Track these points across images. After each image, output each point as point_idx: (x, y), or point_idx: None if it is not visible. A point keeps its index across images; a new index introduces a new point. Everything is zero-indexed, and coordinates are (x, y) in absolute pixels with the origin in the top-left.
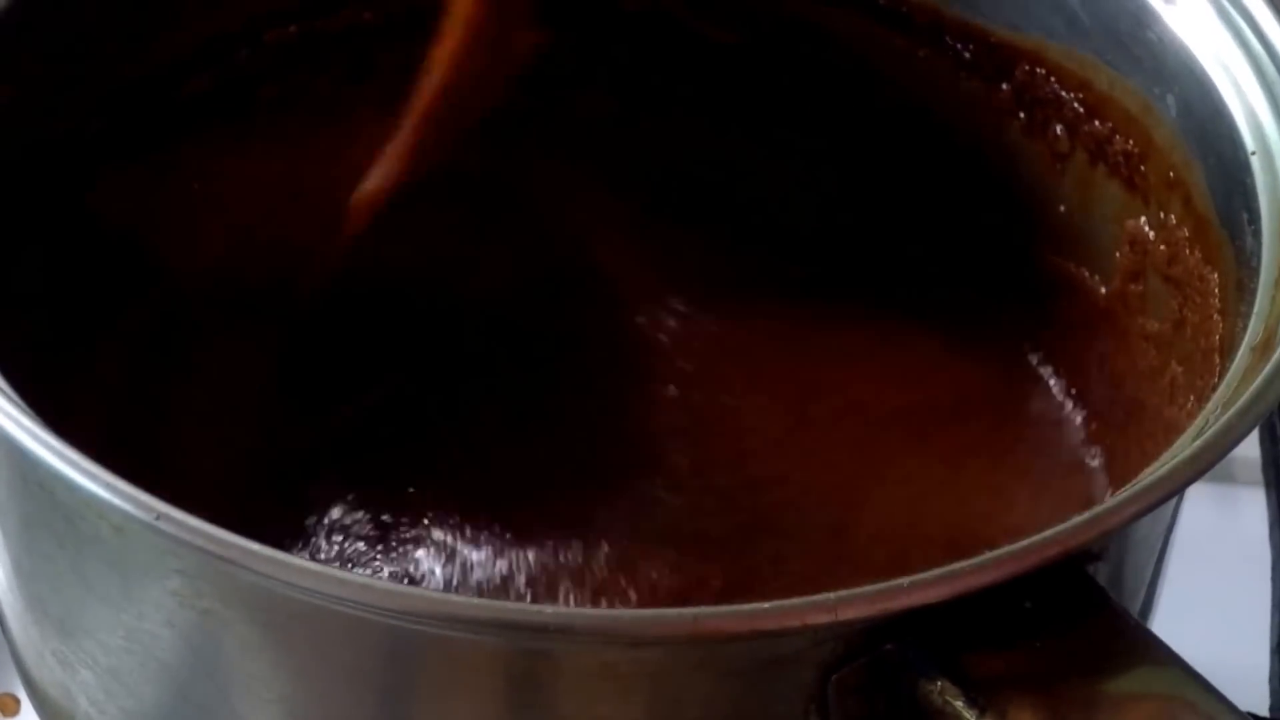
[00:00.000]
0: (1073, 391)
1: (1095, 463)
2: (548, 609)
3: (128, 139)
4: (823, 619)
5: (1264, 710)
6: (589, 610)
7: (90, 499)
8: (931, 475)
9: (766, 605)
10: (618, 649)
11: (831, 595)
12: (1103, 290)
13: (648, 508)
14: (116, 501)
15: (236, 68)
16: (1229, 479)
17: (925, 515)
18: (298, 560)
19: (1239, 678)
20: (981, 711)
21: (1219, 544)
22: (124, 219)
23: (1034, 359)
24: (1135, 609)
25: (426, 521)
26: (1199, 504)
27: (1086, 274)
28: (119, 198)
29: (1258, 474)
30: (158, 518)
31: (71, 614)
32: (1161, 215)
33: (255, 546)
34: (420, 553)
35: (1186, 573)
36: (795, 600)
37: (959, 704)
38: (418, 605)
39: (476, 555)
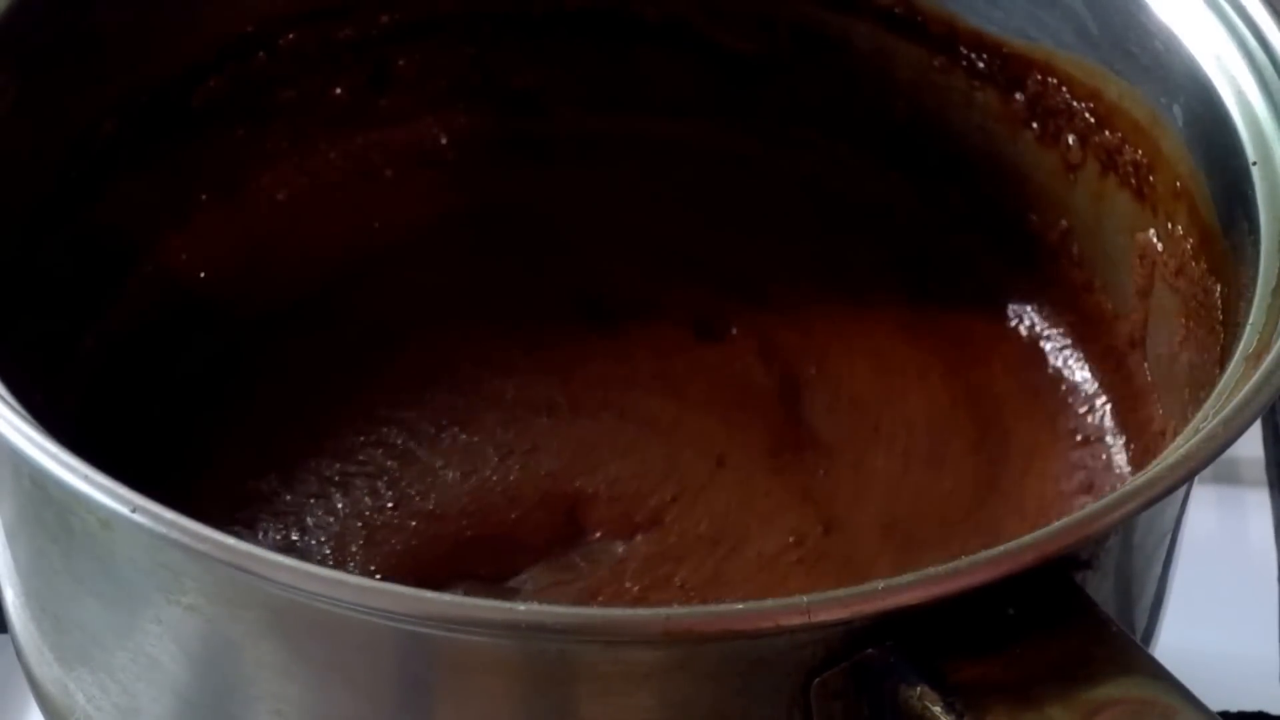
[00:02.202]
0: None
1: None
2: (520, 606)
3: (142, 141)
4: (796, 620)
5: (1275, 709)
6: (561, 608)
7: (72, 492)
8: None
9: (740, 606)
10: (595, 649)
11: (804, 598)
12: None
13: None
14: (95, 495)
15: (253, 71)
16: (1234, 480)
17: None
18: (271, 554)
19: (1249, 673)
20: (959, 718)
21: (1225, 544)
22: (136, 221)
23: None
24: (1142, 614)
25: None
26: (1205, 505)
27: (1099, 291)
28: (131, 199)
29: (1262, 475)
30: (134, 510)
31: (66, 610)
32: (1169, 226)
33: (231, 540)
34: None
35: (1193, 572)
36: (769, 602)
37: (937, 710)
38: (388, 602)
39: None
